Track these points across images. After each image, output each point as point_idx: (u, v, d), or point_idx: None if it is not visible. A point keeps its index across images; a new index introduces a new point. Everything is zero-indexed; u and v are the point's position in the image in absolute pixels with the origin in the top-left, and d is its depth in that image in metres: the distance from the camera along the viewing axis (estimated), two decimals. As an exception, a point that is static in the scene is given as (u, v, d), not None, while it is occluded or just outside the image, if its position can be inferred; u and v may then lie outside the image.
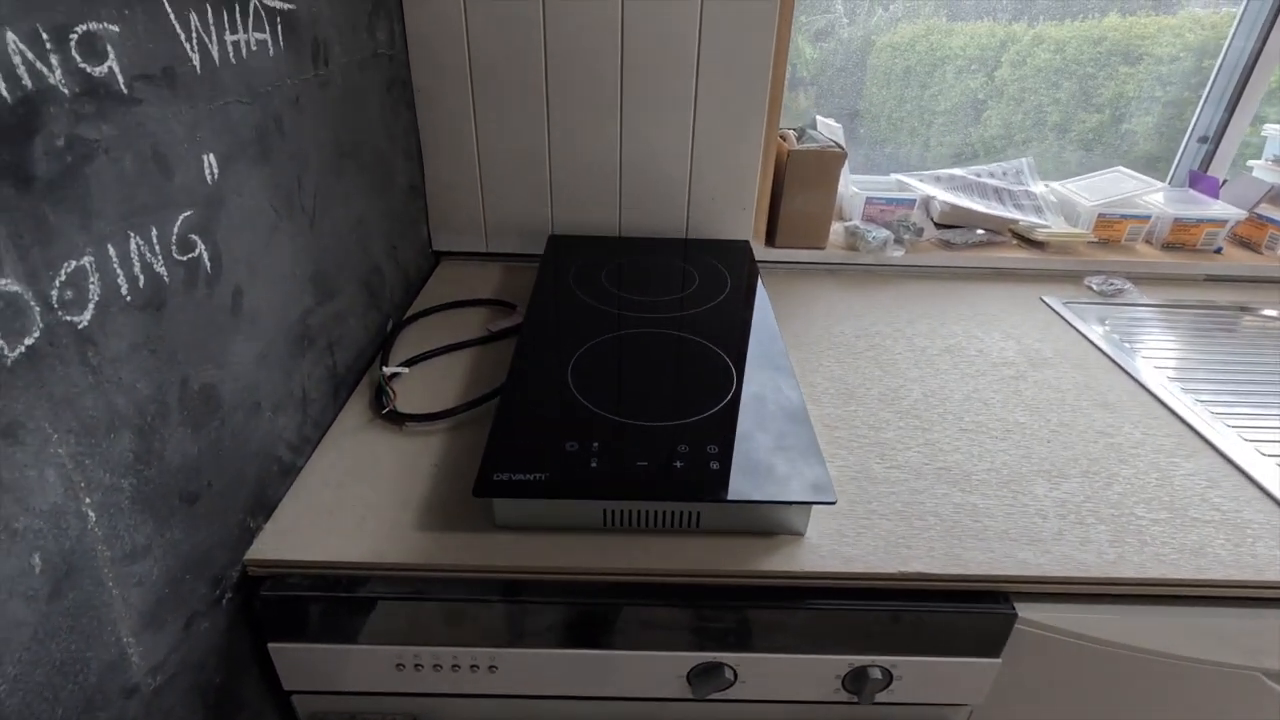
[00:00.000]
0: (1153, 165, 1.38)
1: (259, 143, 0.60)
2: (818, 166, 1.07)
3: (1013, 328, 1.00)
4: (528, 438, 0.65)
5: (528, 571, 0.59)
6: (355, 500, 0.65)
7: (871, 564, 0.60)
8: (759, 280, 0.96)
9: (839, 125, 1.14)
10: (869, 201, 1.16)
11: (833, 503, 0.59)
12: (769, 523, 0.62)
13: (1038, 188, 1.24)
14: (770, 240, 1.15)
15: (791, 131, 1.15)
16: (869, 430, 0.77)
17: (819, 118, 1.19)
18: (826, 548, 0.61)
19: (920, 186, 1.21)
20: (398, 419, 0.76)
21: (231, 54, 0.56)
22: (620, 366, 0.77)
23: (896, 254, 1.12)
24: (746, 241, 1.09)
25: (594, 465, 0.62)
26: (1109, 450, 0.75)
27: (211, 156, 0.54)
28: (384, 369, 0.83)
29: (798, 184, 1.08)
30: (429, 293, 1.05)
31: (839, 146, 1.08)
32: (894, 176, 1.27)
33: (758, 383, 0.74)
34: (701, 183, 1.07)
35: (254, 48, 0.59)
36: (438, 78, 1.01)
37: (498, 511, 0.62)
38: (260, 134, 0.61)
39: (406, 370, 0.84)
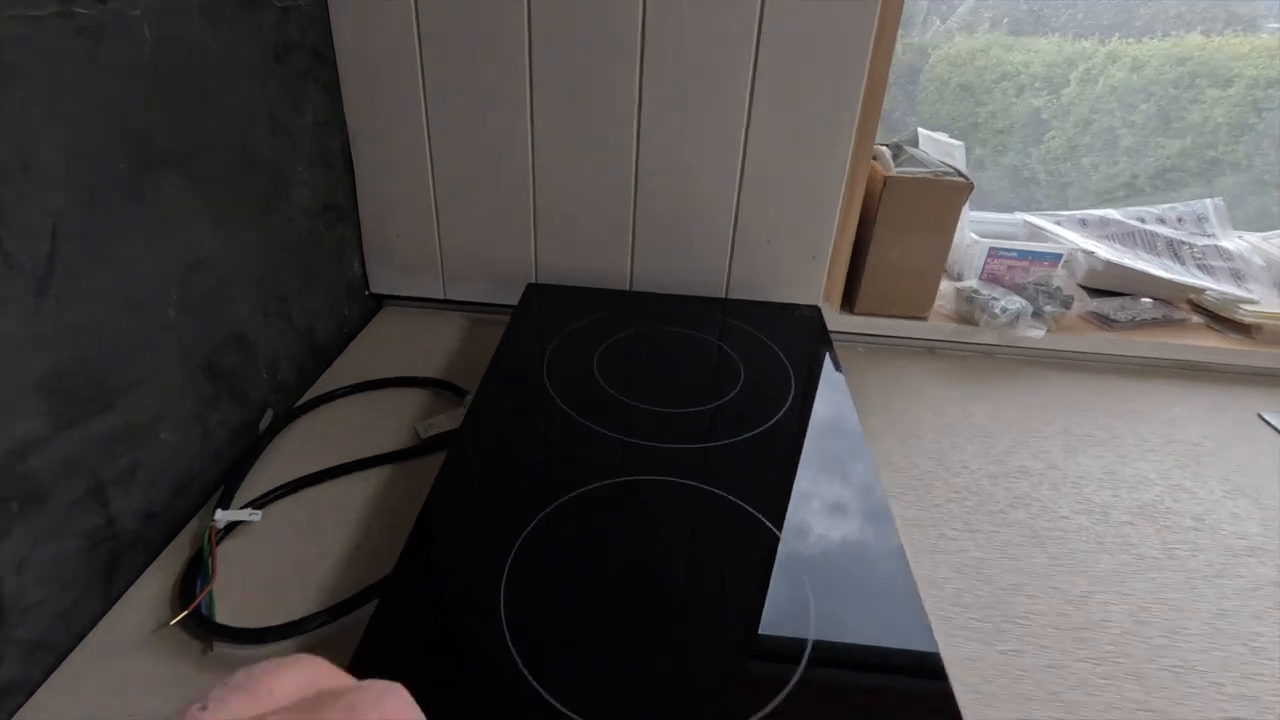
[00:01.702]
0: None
1: None
2: (929, 201, 0.72)
3: (1233, 470, 0.64)
4: None
5: None
6: None
7: None
8: (844, 380, 0.61)
9: (959, 143, 0.79)
10: (993, 254, 0.81)
11: None
12: None
13: (1230, 241, 0.88)
14: (848, 303, 0.80)
15: (884, 148, 0.80)
16: (1042, 694, 0.42)
17: (923, 130, 0.84)
18: None
19: (1063, 235, 0.86)
20: (204, 631, 0.43)
21: None
22: (595, 565, 0.43)
23: (1034, 334, 0.76)
24: (816, 308, 0.74)
25: None
26: None
27: None
28: (216, 516, 0.50)
29: (896, 225, 0.74)
30: (351, 359, 0.73)
31: (958, 174, 0.73)
32: (1020, 216, 0.91)
33: (845, 604, 0.39)
34: (753, 218, 0.73)
35: None
36: (370, 51, 0.68)
37: None
38: None
39: (258, 516, 0.51)
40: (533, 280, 0.78)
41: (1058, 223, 0.89)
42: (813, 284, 0.76)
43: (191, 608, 0.43)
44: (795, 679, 0.36)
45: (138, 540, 0.47)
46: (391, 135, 0.72)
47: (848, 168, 0.70)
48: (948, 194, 0.72)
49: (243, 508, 0.52)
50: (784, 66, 0.66)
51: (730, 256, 0.76)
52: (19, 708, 0.39)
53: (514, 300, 0.79)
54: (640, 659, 0.37)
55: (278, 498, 0.54)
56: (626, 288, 0.78)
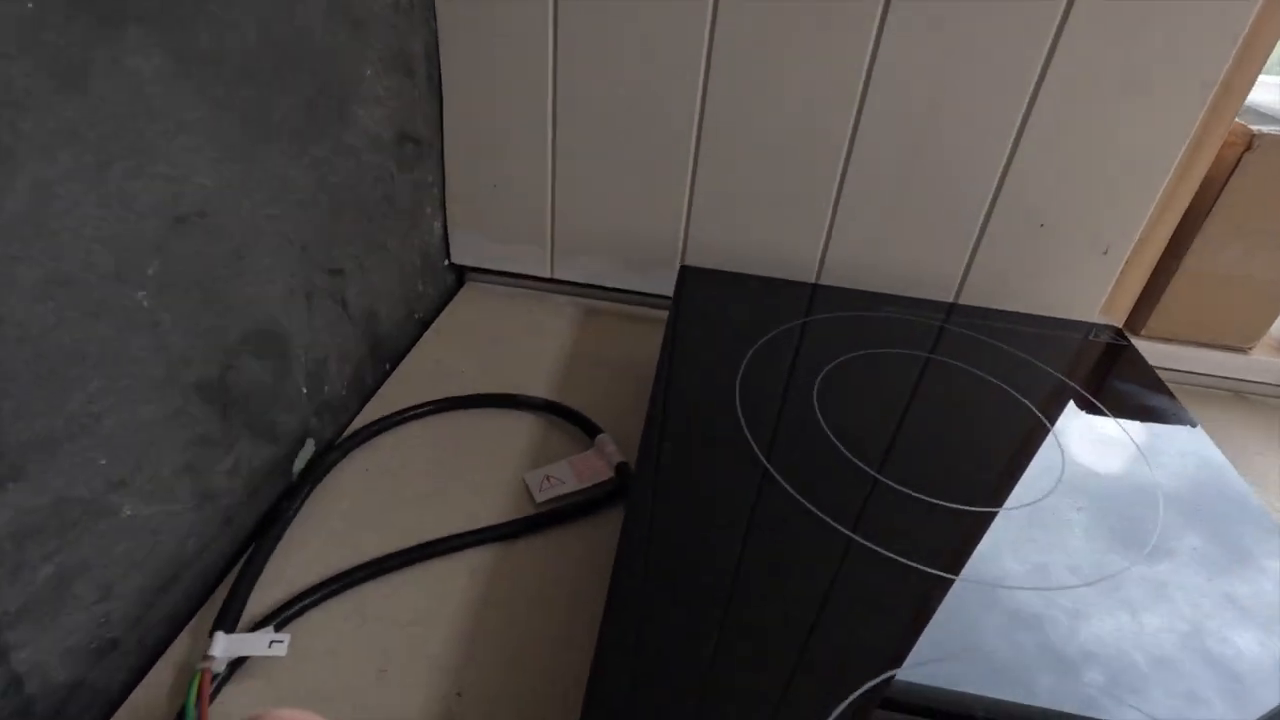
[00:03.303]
0: None
1: None
2: (1313, 179, 0.47)
3: None
4: None
5: None
6: None
7: None
8: (1227, 463, 0.38)
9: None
10: (1356, 261, 0.55)
11: None
12: None
13: None
14: (1136, 323, 0.55)
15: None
16: None
17: (1254, 74, 0.58)
18: None
19: None
20: None
21: None
22: None
23: None
24: (1118, 332, 0.50)
25: None
26: None
27: None
28: (213, 645, 0.29)
29: (1249, 213, 0.49)
30: (425, 359, 0.52)
31: (1365, 138, 0.47)
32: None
33: None
34: (1025, 190, 0.49)
35: None
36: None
37: None
38: None
39: (283, 645, 0.31)
40: (681, 260, 0.56)
41: None
42: (1093, 292, 0.52)
43: None
44: None
45: (74, 698, 0.27)
46: (501, 34, 0.49)
47: (1202, 116, 0.45)
48: (1351, 167, 0.46)
49: (258, 627, 0.31)
50: (1135, -55, 0.41)
51: (976, 244, 0.52)
52: None
53: (646, 287, 0.57)
54: None
55: (315, 604, 0.33)
56: (812, 279, 0.55)
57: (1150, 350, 0.55)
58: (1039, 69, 0.45)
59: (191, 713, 0.27)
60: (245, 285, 0.33)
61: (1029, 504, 0.34)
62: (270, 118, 0.34)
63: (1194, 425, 0.40)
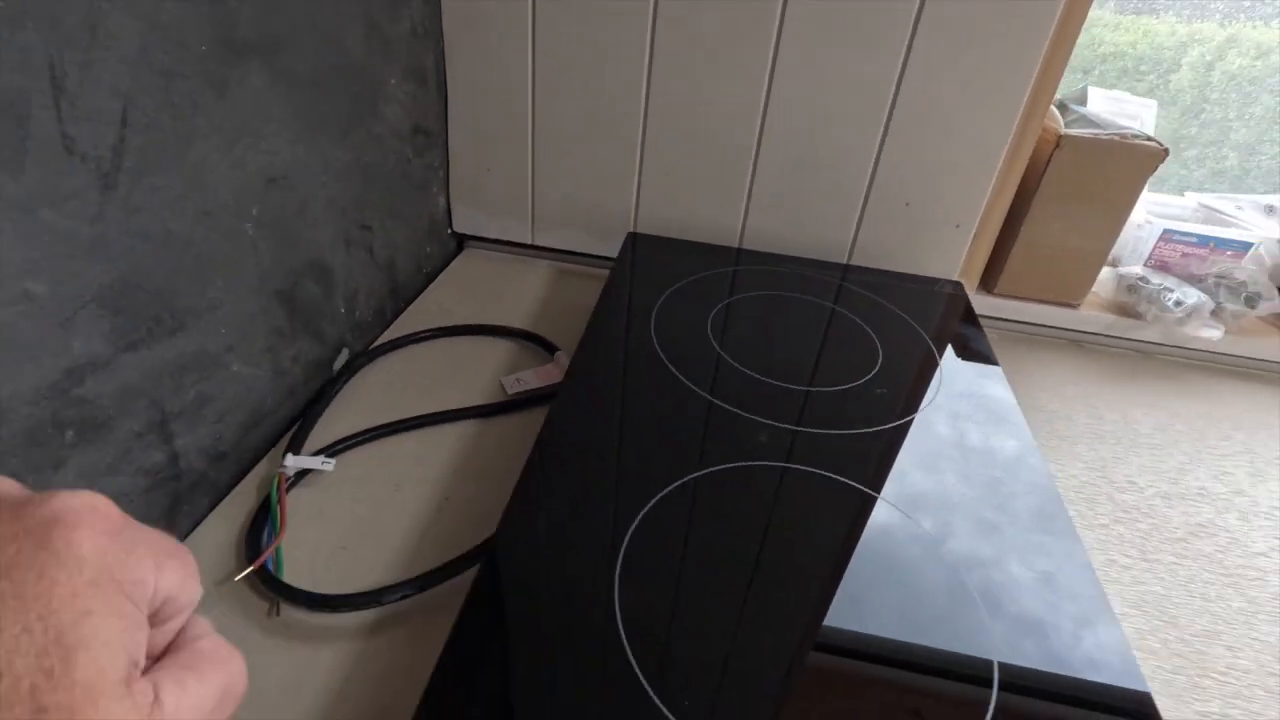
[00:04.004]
0: None
1: None
2: (1109, 168, 0.61)
3: None
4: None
5: None
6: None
7: None
8: (1000, 370, 0.52)
9: (1149, 101, 0.68)
10: (1166, 238, 0.69)
11: None
12: None
13: None
14: (987, 283, 0.70)
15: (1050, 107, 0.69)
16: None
17: (1095, 89, 0.72)
18: None
19: (1249, 221, 0.73)
20: (271, 590, 0.38)
21: None
22: (719, 563, 0.36)
23: (1210, 335, 0.65)
24: (958, 285, 0.64)
25: None
26: None
27: None
28: (286, 461, 0.45)
29: (1063, 195, 0.63)
30: (431, 301, 0.67)
31: (1150, 140, 0.62)
32: (1193, 198, 0.79)
33: (1027, 627, 0.32)
34: (894, 177, 0.64)
35: None
36: (479, -48, 0.61)
37: None
38: None
39: (331, 465, 0.46)
40: (632, 229, 0.71)
41: (1239, 207, 0.76)
42: (951, 257, 0.67)
43: (259, 562, 0.38)
44: (993, 705, 0.29)
45: (202, 481, 0.43)
46: (492, 53, 0.65)
47: (1017, 122, 0.59)
48: (1134, 161, 0.61)
49: (315, 454, 0.46)
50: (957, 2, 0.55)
51: (860, 219, 0.66)
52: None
53: (607, 252, 0.72)
54: (781, 670, 0.30)
55: (352, 446, 0.48)
56: (735, 244, 0.70)
57: (1001, 305, 0.70)
58: (895, 81, 0.60)
59: (274, 495, 0.42)
60: (306, 229, 0.49)
61: (844, 388, 0.48)
62: (324, 113, 0.49)
63: (994, 362, 0.55)
